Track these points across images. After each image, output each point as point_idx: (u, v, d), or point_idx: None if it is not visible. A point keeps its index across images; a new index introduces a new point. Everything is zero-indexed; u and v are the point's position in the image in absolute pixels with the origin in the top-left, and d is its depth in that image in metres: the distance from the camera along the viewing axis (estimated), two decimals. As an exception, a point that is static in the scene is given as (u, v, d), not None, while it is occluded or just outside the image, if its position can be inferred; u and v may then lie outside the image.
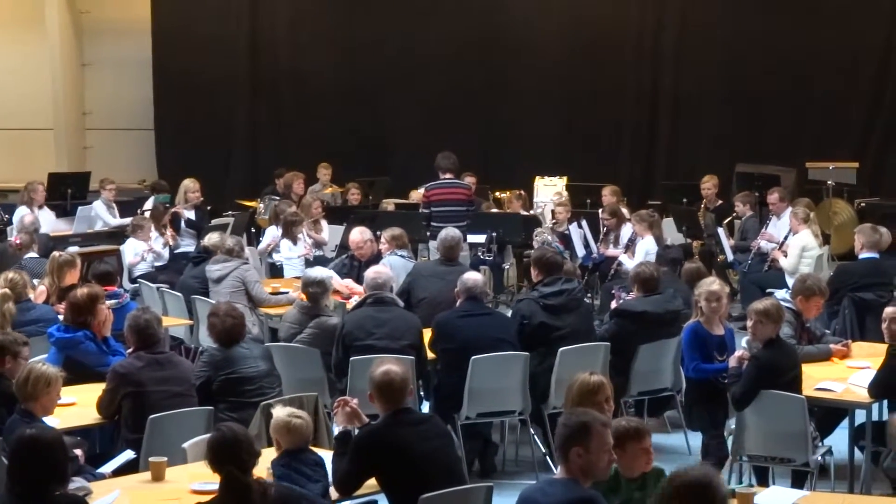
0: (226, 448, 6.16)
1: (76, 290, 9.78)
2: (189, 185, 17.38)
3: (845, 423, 9.27)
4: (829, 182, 18.74)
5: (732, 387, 8.76)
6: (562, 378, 9.91)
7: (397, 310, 10.32)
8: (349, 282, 12.85)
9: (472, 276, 10.48)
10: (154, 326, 8.81)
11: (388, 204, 18.59)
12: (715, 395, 9.22)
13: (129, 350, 8.86)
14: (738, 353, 9.01)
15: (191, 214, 17.00)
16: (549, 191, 18.81)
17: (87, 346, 9.38)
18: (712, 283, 9.79)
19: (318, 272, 11.01)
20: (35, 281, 11.73)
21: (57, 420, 8.02)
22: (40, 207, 17.39)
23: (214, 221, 17.42)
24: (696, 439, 9.93)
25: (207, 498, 6.24)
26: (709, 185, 17.45)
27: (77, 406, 8.71)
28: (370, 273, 10.62)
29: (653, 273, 10.81)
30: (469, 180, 17.15)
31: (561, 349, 10.05)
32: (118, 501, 6.90)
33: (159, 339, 8.95)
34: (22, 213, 16.50)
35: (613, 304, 11.15)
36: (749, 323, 8.87)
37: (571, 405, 6.87)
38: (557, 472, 6.04)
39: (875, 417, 9.12)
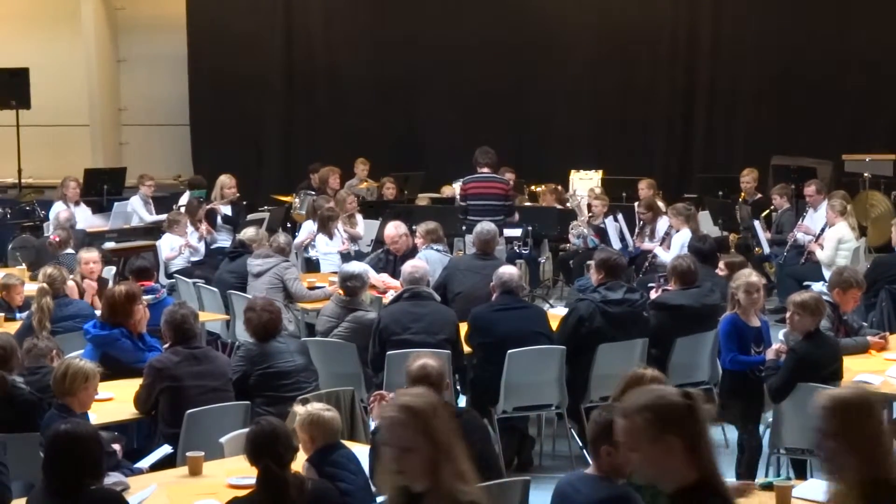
0: (263, 441, 6.16)
1: (113, 289, 9.81)
2: (225, 180, 17.44)
3: (884, 415, 9.21)
4: (865, 174, 18.68)
5: (769, 379, 8.71)
6: (600, 373, 9.90)
7: (434, 304, 10.31)
8: (385, 276, 12.83)
9: (508, 270, 10.44)
10: (190, 321, 8.84)
11: (422, 199, 18.59)
12: (751, 387, 9.15)
13: (166, 345, 8.90)
14: (775, 345, 8.96)
15: (227, 210, 17.05)
16: (585, 184, 18.75)
17: (123, 343, 9.38)
18: (750, 275, 9.72)
19: (355, 266, 11.02)
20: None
21: (94, 415, 8.03)
22: (76, 204, 17.43)
23: (250, 217, 17.46)
24: (732, 432, 9.86)
25: (244, 492, 6.25)
26: (748, 178, 17.38)
27: (114, 401, 8.74)
28: (407, 267, 10.61)
29: (690, 266, 10.75)
30: (508, 176, 17.07)
31: (601, 345, 10.05)
32: (155, 496, 6.92)
33: (196, 333, 8.99)
34: (57, 210, 16.53)
35: (653, 294, 11.10)
36: (787, 315, 8.82)
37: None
38: (589, 467, 6.00)
39: (913, 410, 9.07)
